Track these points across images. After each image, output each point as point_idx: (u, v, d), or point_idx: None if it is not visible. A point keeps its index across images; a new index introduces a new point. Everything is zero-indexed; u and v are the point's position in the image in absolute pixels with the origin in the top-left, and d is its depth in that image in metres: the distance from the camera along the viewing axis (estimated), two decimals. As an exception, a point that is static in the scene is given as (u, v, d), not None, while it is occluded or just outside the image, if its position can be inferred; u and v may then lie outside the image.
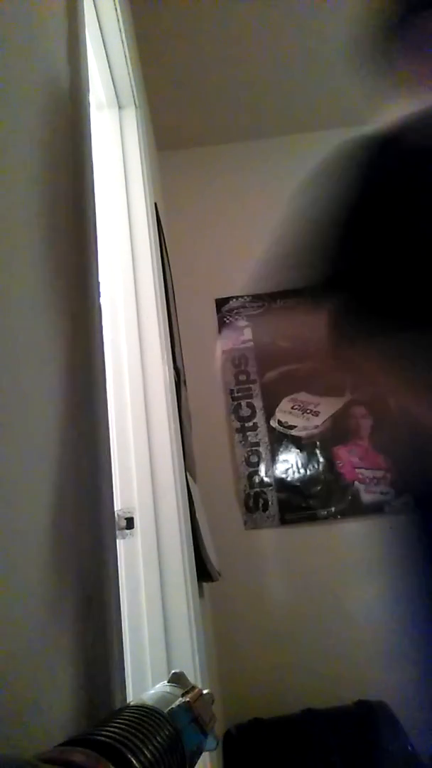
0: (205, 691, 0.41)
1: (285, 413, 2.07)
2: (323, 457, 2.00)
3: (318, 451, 2.00)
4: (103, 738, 0.26)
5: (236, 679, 1.71)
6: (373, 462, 1.99)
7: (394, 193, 0.80)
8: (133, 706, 0.33)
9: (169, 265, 1.75)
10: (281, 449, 2.01)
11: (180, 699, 0.36)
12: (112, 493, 0.52)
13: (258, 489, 1.96)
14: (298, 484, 1.96)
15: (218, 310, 2.27)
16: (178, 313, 1.99)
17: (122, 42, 1.22)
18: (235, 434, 2.04)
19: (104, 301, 1.11)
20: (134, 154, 1.31)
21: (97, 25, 1.16)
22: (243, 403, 2.09)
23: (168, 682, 0.40)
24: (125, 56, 1.27)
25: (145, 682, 0.83)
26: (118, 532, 0.92)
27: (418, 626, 1.76)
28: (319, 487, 1.95)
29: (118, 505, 0.94)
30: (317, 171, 0.90)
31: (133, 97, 1.37)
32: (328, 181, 0.89)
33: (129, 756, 0.26)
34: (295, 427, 2.04)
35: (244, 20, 2.03)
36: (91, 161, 0.63)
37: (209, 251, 2.39)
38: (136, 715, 0.30)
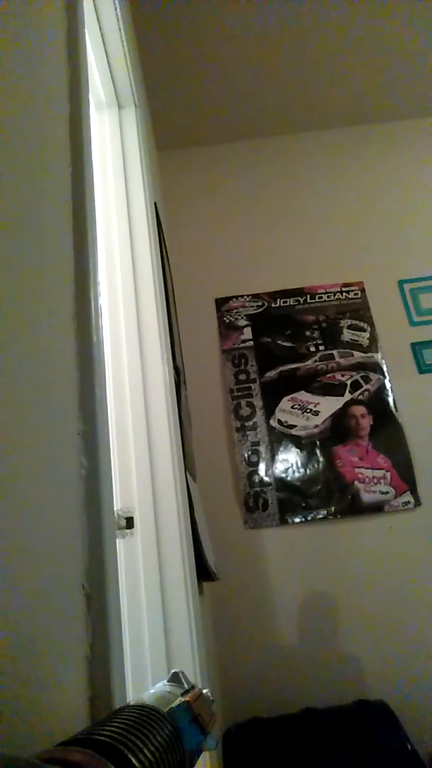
0: (205, 691, 0.41)
1: (285, 413, 2.07)
2: (323, 456, 2.00)
3: (318, 451, 2.00)
4: (102, 737, 0.27)
5: (236, 679, 1.71)
6: (372, 462, 1.99)
7: None
8: (132, 706, 0.33)
9: (169, 265, 1.75)
10: (281, 449, 2.02)
11: (180, 698, 0.36)
12: (112, 493, 0.52)
13: (258, 488, 1.96)
14: (297, 483, 1.96)
15: (218, 310, 2.27)
16: (178, 313, 1.99)
17: (122, 42, 1.22)
18: (235, 434, 2.04)
19: (104, 301, 1.11)
20: (134, 153, 1.31)
21: (97, 25, 1.16)
22: (243, 402, 2.09)
23: (168, 681, 0.40)
24: (125, 56, 1.27)
25: (145, 682, 0.83)
26: (118, 532, 0.92)
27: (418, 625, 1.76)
28: (318, 487, 1.95)
29: (118, 505, 0.94)
30: None
31: (133, 96, 1.37)
32: None
33: (129, 755, 0.26)
34: (295, 426, 2.05)
35: (244, 20, 2.03)
36: (91, 161, 0.63)
37: (209, 251, 2.39)
38: (135, 715, 0.31)
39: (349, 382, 2.11)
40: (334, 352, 2.18)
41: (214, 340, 2.22)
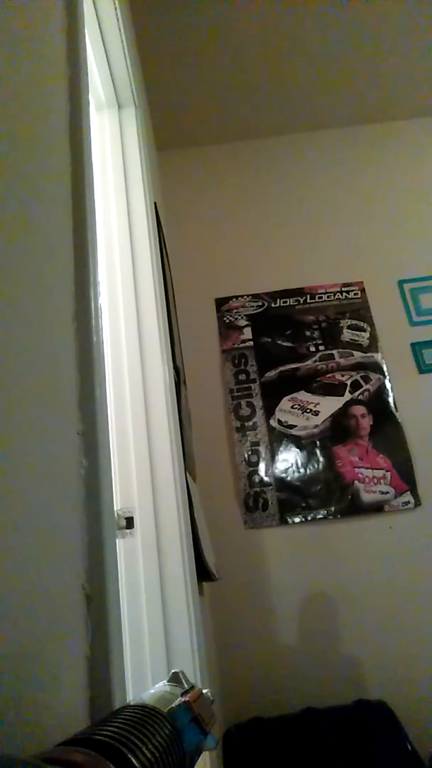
0: (205, 691, 0.41)
1: (285, 412, 2.07)
2: (323, 456, 2.00)
3: (318, 451, 2.00)
4: (102, 737, 0.27)
5: (236, 679, 1.71)
6: (372, 462, 1.99)
7: None
8: (132, 706, 0.33)
9: (169, 265, 1.75)
10: (281, 449, 2.02)
11: (180, 698, 0.36)
12: (112, 493, 0.52)
13: (258, 488, 1.96)
14: (297, 483, 1.96)
15: (218, 310, 2.27)
16: (178, 313, 1.99)
17: (122, 42, 1.22)
18: (235, 434, 2.04)
19: (104, 301, 1.11)
20: (134, 153, 1.31)
21: (97, 25, 1.16)
22: (243, 402, 2.09)
23: (168, 681, 0.40)
24: (125, 56, 1.27)
25: (145, 682, 0.83)
26: (118, 532, 0.92)
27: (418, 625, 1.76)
28: (318, 487, 1.95)
29: (118, 505, 0.94)
30: None
31: (133, 96, 1.37)
32: None
33: (129, 755, 0.26)
34: (295, 426, 2.05)
35: (244, 20, 2.03)
36: (91, 161, 0.63)
37: (209, 251, 2.39)
38: (135, 715, 0.31)
39: (349, 382, 2.11)
40: (334, 352, 2.18)
41: (214, 340, 2.22)
